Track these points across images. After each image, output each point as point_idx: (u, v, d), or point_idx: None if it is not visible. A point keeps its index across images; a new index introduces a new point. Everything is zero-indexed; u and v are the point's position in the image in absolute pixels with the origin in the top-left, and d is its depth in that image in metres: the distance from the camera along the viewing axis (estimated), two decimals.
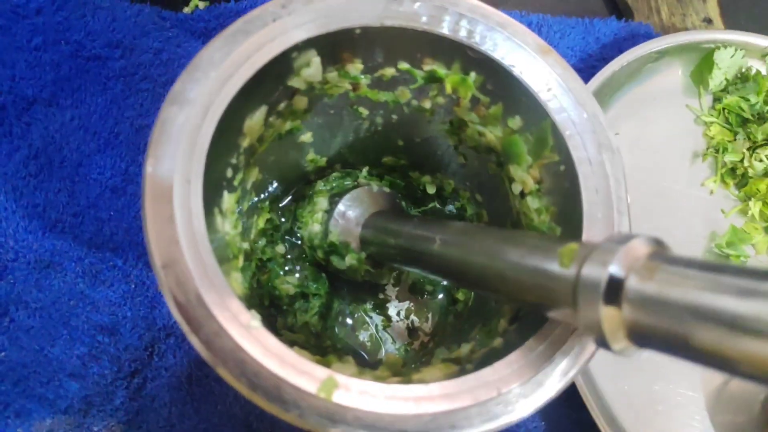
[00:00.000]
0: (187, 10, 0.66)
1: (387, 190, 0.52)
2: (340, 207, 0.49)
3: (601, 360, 0.56)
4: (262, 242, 0.49)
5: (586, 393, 0.53)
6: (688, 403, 0.59)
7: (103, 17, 0.60)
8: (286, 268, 0.51)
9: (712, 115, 0.68)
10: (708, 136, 0.68)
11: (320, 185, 0.51)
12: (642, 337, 0.23)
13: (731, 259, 0.63)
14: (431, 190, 0.53)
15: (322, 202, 0.50)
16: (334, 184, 0.52)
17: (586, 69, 0.67)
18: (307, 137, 0.46)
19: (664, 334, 0.21)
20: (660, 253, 0.24)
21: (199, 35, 0.63)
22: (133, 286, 0.55)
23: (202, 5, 0.66)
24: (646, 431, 0.56)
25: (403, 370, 0.38)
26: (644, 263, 0.23)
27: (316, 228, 0.49)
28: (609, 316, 0.23)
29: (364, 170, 0.53)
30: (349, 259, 0.48)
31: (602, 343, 0.24)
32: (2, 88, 0.57)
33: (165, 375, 0.53)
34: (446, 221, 0.47)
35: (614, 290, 0.23)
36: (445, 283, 0.54)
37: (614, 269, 0.23)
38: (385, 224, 0.47)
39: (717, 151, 0.67)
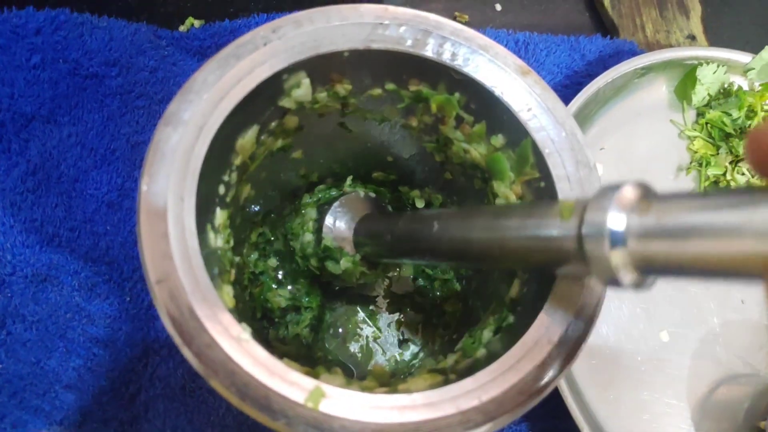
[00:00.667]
0: (182, 28, 0.67)
1: (373, 195, 0.54)
2: (330, 214, 0.50)
3: (586, 369, 0.58)
4: (254, 256, 0.51)
5: (572, 403, 0.54)
6: (674, 412, 0.60)
7: (101, 36, 0.61)
8: (279, 280, 0.52)
9: (695, 130, 0.70)
10: (691, 150, 0.69)
11: (307, 198, 0.53)
12: (649, 266, 0.25)
13: None
14: (420, 204, 0.55)
15: (310, 213, 0.52)
16: (320, 195, 0.53)
17: (572, 85, 0.68)
18: (298, 154, 0.48)
19: (669, 257, 0.24)
20: (649, 192, 0.26)
21: (194, 53, 0.65)
22: (128, 299, 0.56)
23: (197, 24, 0.68)
24: None
25: (390, 381, 0.39)
26: (638, 203, 0.25)
27: (308, 237, 0.51)
28: (617, 255, 0.25)
29: (348, 179, 0.54)
30: (344, 263, 0.49)
31: (614, 281, 0.26)
32: (1, 105, 0.58)
33: (159, 386, 0.54)
34: (440, 209, 0.49)
35: (617, 230, 0.25)
36: (444, 274, 0.55)
37: (614, 212, 0.25)
38: (379, 221, 0.49)
39: (700, 165, 0.69)
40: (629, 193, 0.26)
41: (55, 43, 0.60)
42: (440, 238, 0.38)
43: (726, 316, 0.64)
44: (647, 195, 0.26)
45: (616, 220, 0.25)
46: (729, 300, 0.64)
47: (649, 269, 0.25)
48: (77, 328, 0.54)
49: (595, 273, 0.27)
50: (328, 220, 0.50)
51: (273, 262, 0.52)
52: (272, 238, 0.53)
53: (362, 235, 0.49)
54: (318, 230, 0.50)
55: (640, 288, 0.26)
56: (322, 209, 0.51)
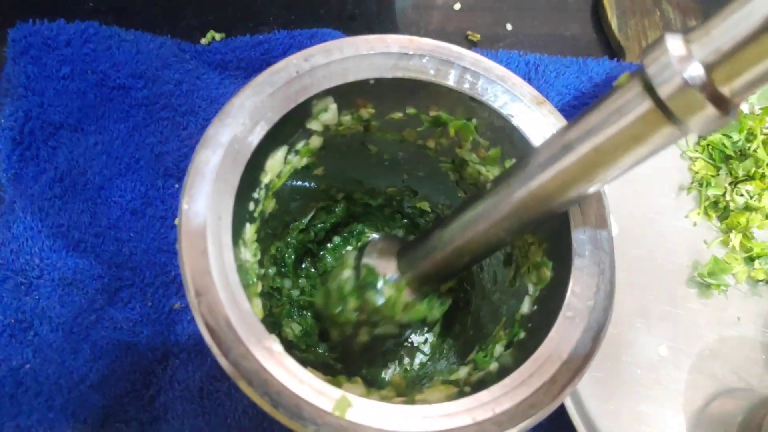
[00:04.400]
0: (204, 41, 0.70)
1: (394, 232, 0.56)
2: (367, 253, 0.48)
3: (588, 381, 0.60)
4: (272, 270, 0.53)
5: (574, 413, 0.56)
6: (671, 424, 0.62)
7: (128, 49, 0.63)
8: (293, 312, 0.54)
9: (696, 151, 0.73)
10: (693, 170, 0.72)
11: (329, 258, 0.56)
12: (732, 80, 0.25)
13: (713, 288, 0.67)
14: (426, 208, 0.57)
15: (346, 257, 0.50)
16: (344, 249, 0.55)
17: (580, 106, 0.71)
18: (319, 171, 0.50)
19: (747, 65, 0.24)
20: (684, 29, 0.26)
21: (216, 66, 0.67)
22: (150, 304, 0.58)
23: (218, 37, 0.70)
24: None
25: (407, 391, 0.41)
26: (685, 42, 0.25)
27: (347, 273, 0.48)
28: (702, 90, 0.25)
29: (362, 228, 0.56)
30: (387, 290, 0.46)
31: (707, 118, 0.26)
32: (31, 113, 0.60)
33: (178, 388, 0.56)
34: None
35: (691, 71, 0.25)
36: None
37: (675, 55, 0.25)
38: (426, 233, 0.45)
39: (701, 185, 0.71)
40: (671, 39, 0.26)
41: (84, 55, 0.62)
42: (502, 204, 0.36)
43: (722, 332, 0.66)
44: (686, 31, 0.26)
45: (684, 60, 0.25)
46: (725, 317, 0.67)
47: (735, 72, 0.25)
48: (101, 331, 0.56)
49: (684, 118, 0.26)
50: (366, 257, 0.48)
51: (287, 283, 0.55)
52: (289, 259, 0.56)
53: (411, 249, 0.46)
54: (356, 267, 0.48)
55: (733, 109, 0.26)
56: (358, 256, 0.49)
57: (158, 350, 0.57)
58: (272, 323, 0.52)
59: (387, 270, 0.47)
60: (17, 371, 0.53)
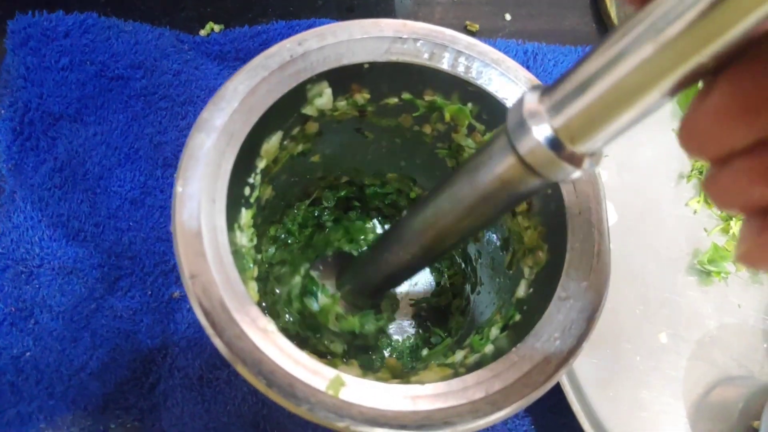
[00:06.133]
0: (203, 33, 0.70)
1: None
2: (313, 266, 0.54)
3: (587, 368, 0.60)
4: (272, 249, 0.53)
5: (573, 399, 0.56)
6: (671, 411, 0.62)
7: (127, 40, 0.64)
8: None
9: None
10: (692, 158, 0.72)
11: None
12: (577, 140, 0.25)
13: (713, 275, 0.67)
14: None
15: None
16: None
17: None
18: (316, 158, 0.50)
19: (587, 110, 0.24)
20: (542, 89, 0.26)
21: (215, 57, 0.68)
22: (149, 293, 0.59)
23: (217, 29, 0.70)
24: None
25: (402, 373, 0.41)
26: (539, 100, 0.25)
27: (296, 279, 0.53)
28: (541, 130, 0.25)
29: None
30: (323, 298, 0.51)
31: (572, 167, 0.26)
32: (31, 104, 0.61)
33: (177, 376, 0.57)
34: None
35: (542, 131, 0.25)
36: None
37: (529, 114, 0.25)
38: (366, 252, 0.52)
39: (701, 173, 0.71)
40: (530, 101, 0.26)
41: (83, 45, 0.62)
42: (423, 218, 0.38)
43: (723, 320, 0.66)
44: (542, 91, 0.26)
45: (532, 110, 0.25)
46: (726, 304, 0.67)
47: (580, 134, 0.25)
48: (101, 319, 0.57)
49: (539, 168, 0.27)
50: (313, 268, 0.53)
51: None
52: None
53: (348, 267, 0.52)
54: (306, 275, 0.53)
55: (590, 161, 0.26)
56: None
57: (158, 338, 0.57)
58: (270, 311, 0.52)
59: (326, 282, 0.52)
60: (18, 359, 0.54)
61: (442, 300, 0.60)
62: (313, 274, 0.52)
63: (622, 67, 0.22)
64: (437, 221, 0.37)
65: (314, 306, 0.51)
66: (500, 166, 0.29)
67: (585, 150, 0.26)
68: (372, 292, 0.50)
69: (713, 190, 0.23)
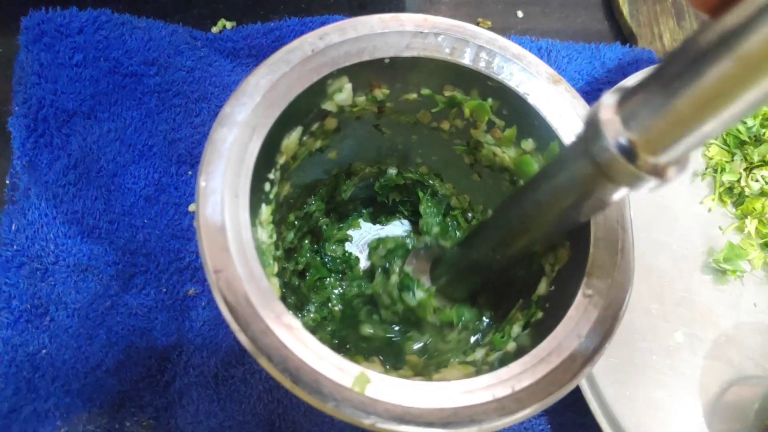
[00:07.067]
0: (215, 29, 0.70)
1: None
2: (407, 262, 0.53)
3: (604, 367, 0.60)
4: (290, 235, 0.53)
5: (591, 398, 0.56)
6: (687, 410, 0.62)
7: (140, 36, 0.63)
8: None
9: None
10: (707, 156, 0.71)
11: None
12: (658, 152, 0.24)
13: (729, 273, 0.66)
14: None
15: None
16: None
17: (592, 92, 0.70)
18: (333, 154, 0.50)
19: (674, 125, 0.23)
20: (620, 95, 0.26)
21: (227, 54, 0.67)
22: (164, 290, 0.58)
23: (229, 26, 0.70)
24: None
25: (424, 371, 0.41)
26: (616, 110, 0.25)
27: (394, 279, 0.52)
28: (631, 161, 0.25)
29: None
30: (419, 293, 0.50)
31: (654, 178, 0.25)
32: (45, 101, 0.60)
33: (192, 374, 0.57)
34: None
35: (620, 142, 0.25)
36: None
37: (606, 125, 0.25)
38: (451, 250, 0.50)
39: (715, 171, 0.70)
40: (606, 110, 0.25)
41: (96, 42, 0.62)
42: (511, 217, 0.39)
43: (739, 319, 0.66)
44: (620, 98, 0.26)
45: (608, 120, 0.25)
46: (742, 303, 0.66)
47: (662, 145, 0.24)
48: (116, 316, 0.56)
49: (618, 179, 0.26)
50: (407, 264, 0.52)
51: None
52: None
53: (440, 261, 0.51)
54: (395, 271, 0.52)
55: (673, 172, 0.25)
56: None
57: (173, 336, 0.57)
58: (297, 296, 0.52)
59: (421, 276, 0.51)
60: (34, 356, 0.54)
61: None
62: (407, 269, 0.51)
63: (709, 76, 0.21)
64: (523, 224, 0.37)
65: (412, 301, 0.49)
66: (579, 174, 0.29)
67: (666, 161, 0.25)
68: (468, 285, 0.49)
69: None
